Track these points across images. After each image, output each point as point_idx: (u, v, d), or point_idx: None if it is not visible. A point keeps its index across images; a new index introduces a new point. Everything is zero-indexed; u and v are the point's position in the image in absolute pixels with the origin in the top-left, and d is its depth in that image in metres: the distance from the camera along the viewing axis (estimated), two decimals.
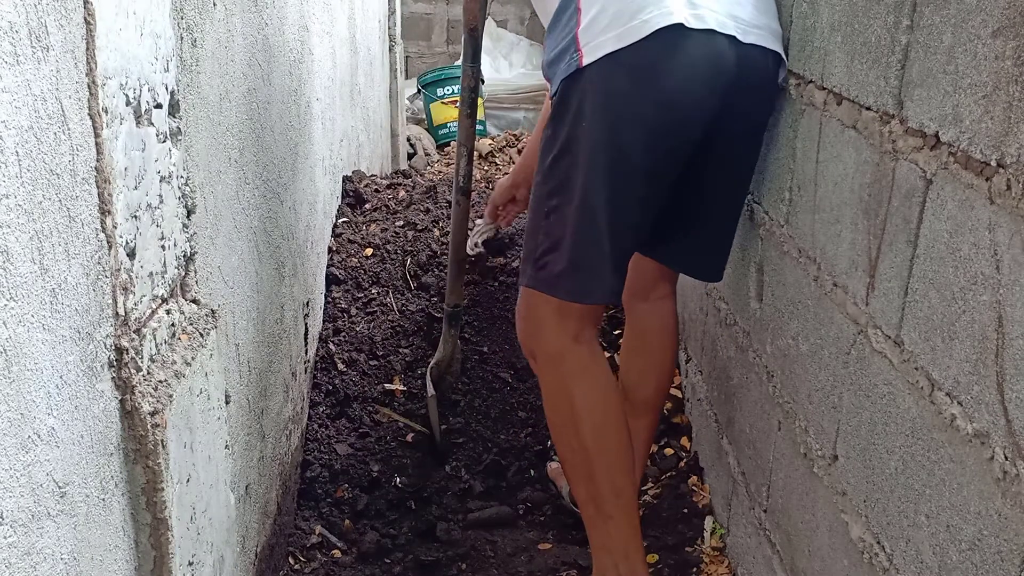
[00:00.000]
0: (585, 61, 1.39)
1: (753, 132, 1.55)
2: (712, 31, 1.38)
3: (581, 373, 1.54)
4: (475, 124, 1.92)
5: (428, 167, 4.73)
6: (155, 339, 1.03)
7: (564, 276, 1.49)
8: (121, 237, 0.94)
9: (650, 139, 1.43)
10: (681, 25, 1.36)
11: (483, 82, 4.51)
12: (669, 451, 2.10)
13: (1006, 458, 0.82)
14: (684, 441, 2.14)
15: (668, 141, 1.45)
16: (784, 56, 1.47)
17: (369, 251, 2.58)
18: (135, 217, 0.98)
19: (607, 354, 2.34)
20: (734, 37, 1.40)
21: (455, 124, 5.29)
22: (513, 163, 4.50)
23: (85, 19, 0.84)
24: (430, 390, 2.13)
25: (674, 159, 1.48)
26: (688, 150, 1.48)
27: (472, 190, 2.26)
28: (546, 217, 1.50)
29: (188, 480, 1.07)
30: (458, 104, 1.99)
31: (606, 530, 1.58)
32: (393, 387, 2.27)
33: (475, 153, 4.64)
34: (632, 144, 1.43)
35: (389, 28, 4.39)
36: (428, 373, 2.18)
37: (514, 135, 4.46)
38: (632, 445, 1.61)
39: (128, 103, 0.96)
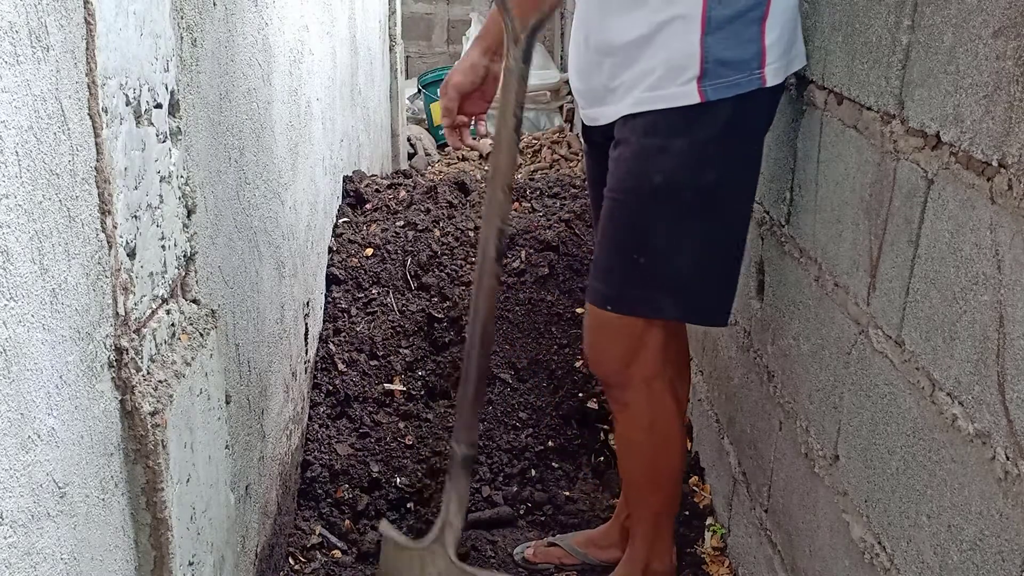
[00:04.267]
0: (769, 82, 1.31)
1: None
2: None
3: (673, 395, 1.57)
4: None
5: (429, 167, 4.73)
6: (155, 339, 1.03)
7: (694, 298, 1.44)
8: (121, 237, 0.94)
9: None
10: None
11: None
12: None
13: (1007, 458, 0.82)
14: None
15: None
16: None
17: (369, 251, 2.58)
18: (135, 217, 0.98)
19: None
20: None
21: None
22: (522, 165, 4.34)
23: (85, 19, 0.84)
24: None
25: None
26: None
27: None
28: (668, 236, 1.39)
29: (188, 480, 1.07)
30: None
31: (658, 540, 1.64)
32: (393, 387, 2.27)
33: (476, 153, 4.63)
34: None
35: (389, 28, 4.39)
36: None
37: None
38: None
39: (128, 103, 0.96)
